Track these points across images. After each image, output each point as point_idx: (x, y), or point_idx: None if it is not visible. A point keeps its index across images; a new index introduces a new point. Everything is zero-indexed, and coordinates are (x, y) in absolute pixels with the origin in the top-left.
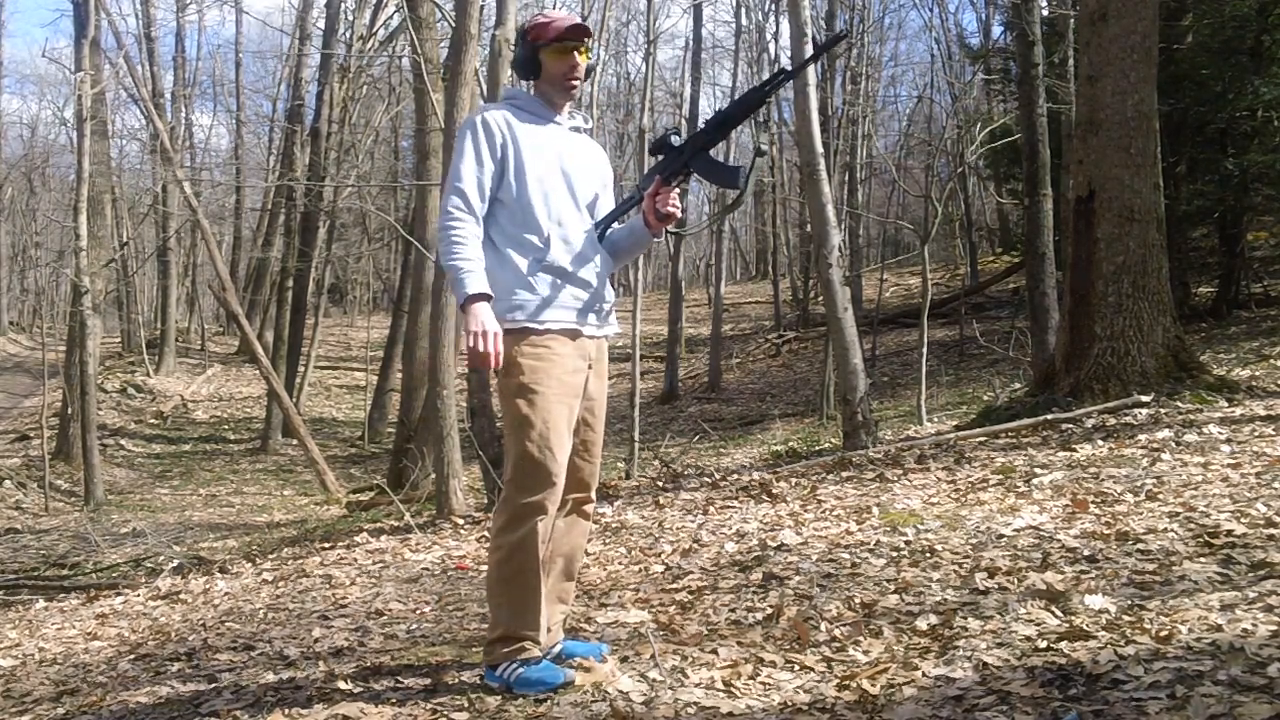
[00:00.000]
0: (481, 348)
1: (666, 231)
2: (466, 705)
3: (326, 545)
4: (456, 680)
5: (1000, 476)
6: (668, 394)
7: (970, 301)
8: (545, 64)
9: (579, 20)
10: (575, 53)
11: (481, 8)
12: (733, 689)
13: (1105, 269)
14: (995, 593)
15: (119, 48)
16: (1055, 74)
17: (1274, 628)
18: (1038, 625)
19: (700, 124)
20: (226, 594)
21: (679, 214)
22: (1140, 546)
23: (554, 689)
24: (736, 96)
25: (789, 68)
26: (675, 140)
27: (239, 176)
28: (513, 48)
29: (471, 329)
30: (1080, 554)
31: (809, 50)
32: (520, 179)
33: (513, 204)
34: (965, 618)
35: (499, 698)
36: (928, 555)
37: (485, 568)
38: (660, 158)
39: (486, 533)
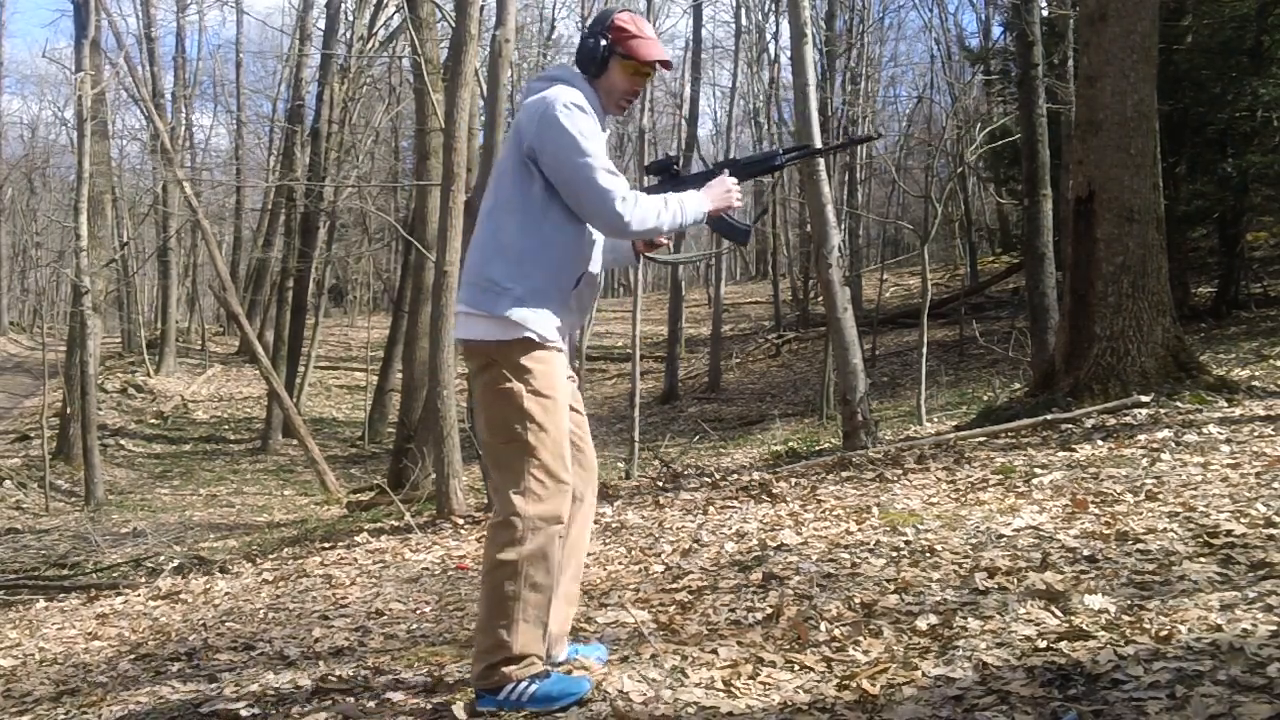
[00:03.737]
0: (734, 197)
1: (647, 256)
2: (466, 705)
3: (327, 545)
4: (456, 680)
5: (1000, 476)
6: (668, 394)
7: (970, 302)
8: (614, 72)
9: (670, 57)
10: (645, 79)
11: (482, 8)
12: (733, 689)
13: (1105, 269)
14: (995, 593)
15: (119, 48)
16: (1055, 74)
17: (1274, 628)
18: (1037, 625)
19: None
20: (227, 594)
21: (667, 244)
22: (1140, 546)
23: (580, 700)
24: (756, 152)
25: (809, 146)
26: (675, 169)
27: (239, 177)
28: (587, 32)
29: (726, 196)
30: (1080, 554)
31: (808, 51)
32: None
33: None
34: (965, 617)
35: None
36: (927, 555)
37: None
38: (658, 180)
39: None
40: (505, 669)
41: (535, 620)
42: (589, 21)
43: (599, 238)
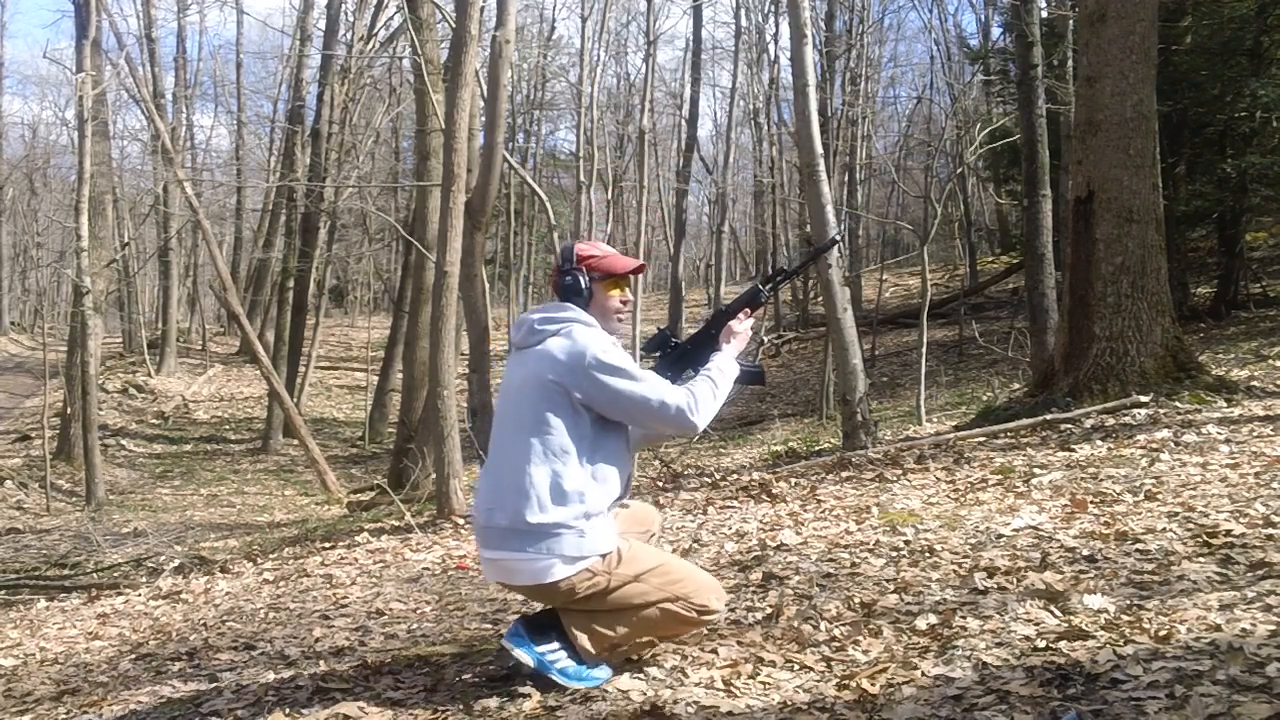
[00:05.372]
0: (750, 331)
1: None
2: (466, 705)
3: (327, 545)
4: (457, 680)
5: (999, 476)
6: None
7: (969, 302)
8: (597, 294)
9: (640, 261)
10: (626, 288)
11: (482, 9)
12: (732, 688)
13: (1104, 269)
14: (994, 592)
15: (120, 48)
16: (1054, 75)
17: (1272, 627)
18: (1037, 625)
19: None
20: (227, 594)
21: None
22: (1139, 546)
23: (597, 685)
24: (740, 294)
25: (782, 270)
26: (674, 342)
27: (240, 177)
28: (562, 273)
29: (745, 341)
30: (1079, 554)
31: (808, 51)
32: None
33: (615, 430)
34: (964, 617)
35: (498, 697)
36: (927, 555)
37: (628, 580)
38: (657, 355)
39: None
40: (591, 646)
41: (633, 648)
42: (559, 263)
43: (634, 436)
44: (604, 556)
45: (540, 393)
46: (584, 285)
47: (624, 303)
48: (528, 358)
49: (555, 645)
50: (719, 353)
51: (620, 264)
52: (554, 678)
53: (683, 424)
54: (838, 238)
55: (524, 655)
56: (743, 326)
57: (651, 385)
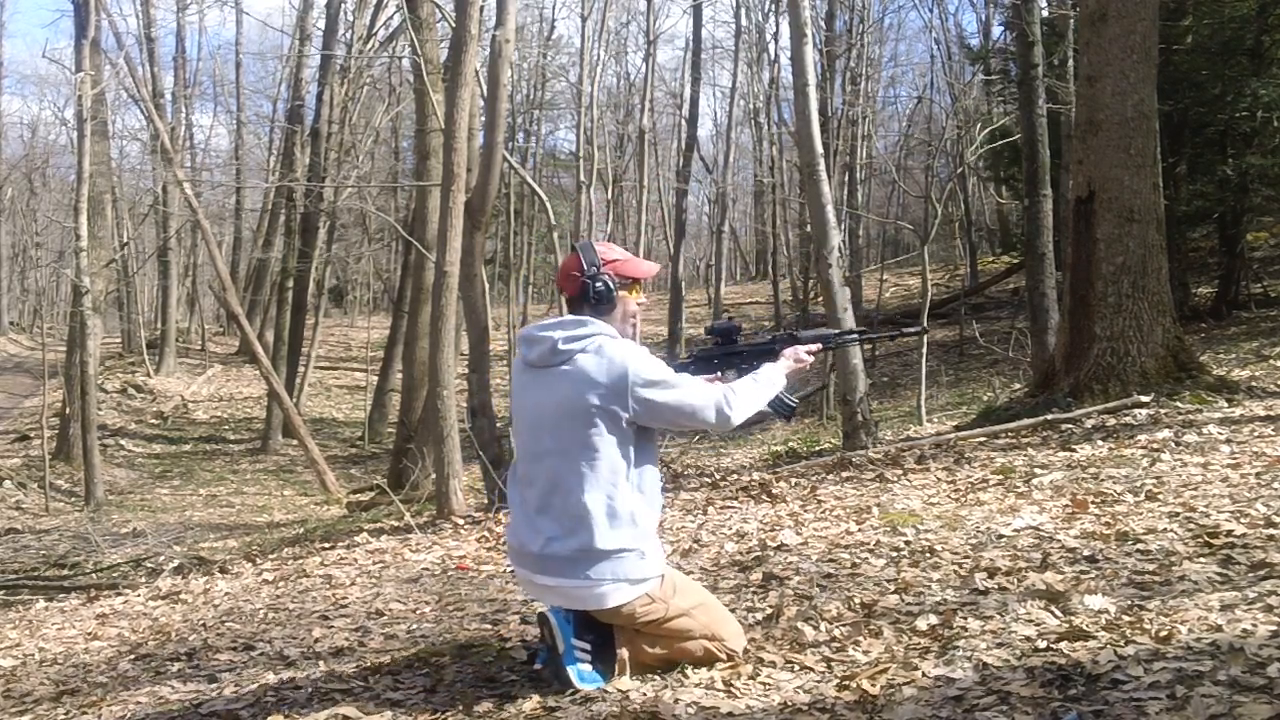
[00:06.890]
0: (806, 366)
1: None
2: (466, 705)
3: (327, 545)
4: (457, 680)
5: (1000, 477)
6: None
7: (970, 302)
8: (622, 301)
9: (659, 265)
10: (640, 291)
11: (481, 8)
12: (732, 689)
13: (1105, 269)
14: (995, 593)
15: (119, 48)
16: (1055, 74)
17: (1274, 628)
18: (1037, 625)
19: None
20: (227, 594)
21: None
22: (1140, 547)
23: (597, 686)
24: (813, 331)
25: (865, 331)
26: (736, 338)
27: (239, 177)
28: (588, 277)
29: (801, 368)
30: (1080, 554)
31: (808, 51)
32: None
33: (649, 442)
34: (965, 618)
35: (496, 699)
36: (927, 555)
37: (677, 622)
38: (715, 341)
39: (486, 533)
40: (637, 669)
41: (672, 662)
42: (584, 266)
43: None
44: (661, 582)
45: (583, 417)
46: (612, 292)
47: (640, 306)
48: (554, 379)
49: (589, 647)
50: (772, 363)
51: (641, 268)
52: (568, 670)
53: (720, 423)
54: (926, 329)
55: (559, 632)
56: (808, 356)
57: (690, 391)
